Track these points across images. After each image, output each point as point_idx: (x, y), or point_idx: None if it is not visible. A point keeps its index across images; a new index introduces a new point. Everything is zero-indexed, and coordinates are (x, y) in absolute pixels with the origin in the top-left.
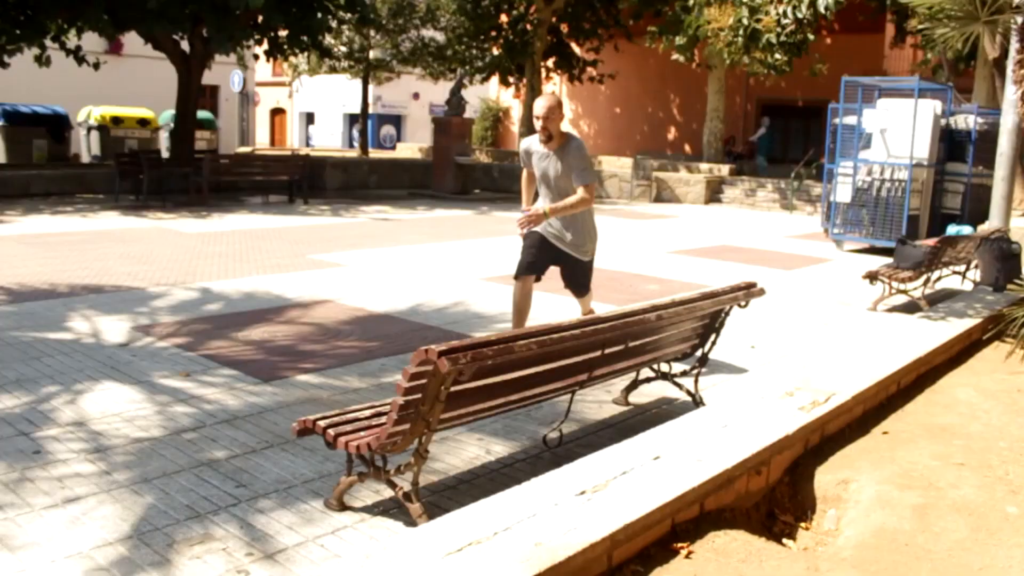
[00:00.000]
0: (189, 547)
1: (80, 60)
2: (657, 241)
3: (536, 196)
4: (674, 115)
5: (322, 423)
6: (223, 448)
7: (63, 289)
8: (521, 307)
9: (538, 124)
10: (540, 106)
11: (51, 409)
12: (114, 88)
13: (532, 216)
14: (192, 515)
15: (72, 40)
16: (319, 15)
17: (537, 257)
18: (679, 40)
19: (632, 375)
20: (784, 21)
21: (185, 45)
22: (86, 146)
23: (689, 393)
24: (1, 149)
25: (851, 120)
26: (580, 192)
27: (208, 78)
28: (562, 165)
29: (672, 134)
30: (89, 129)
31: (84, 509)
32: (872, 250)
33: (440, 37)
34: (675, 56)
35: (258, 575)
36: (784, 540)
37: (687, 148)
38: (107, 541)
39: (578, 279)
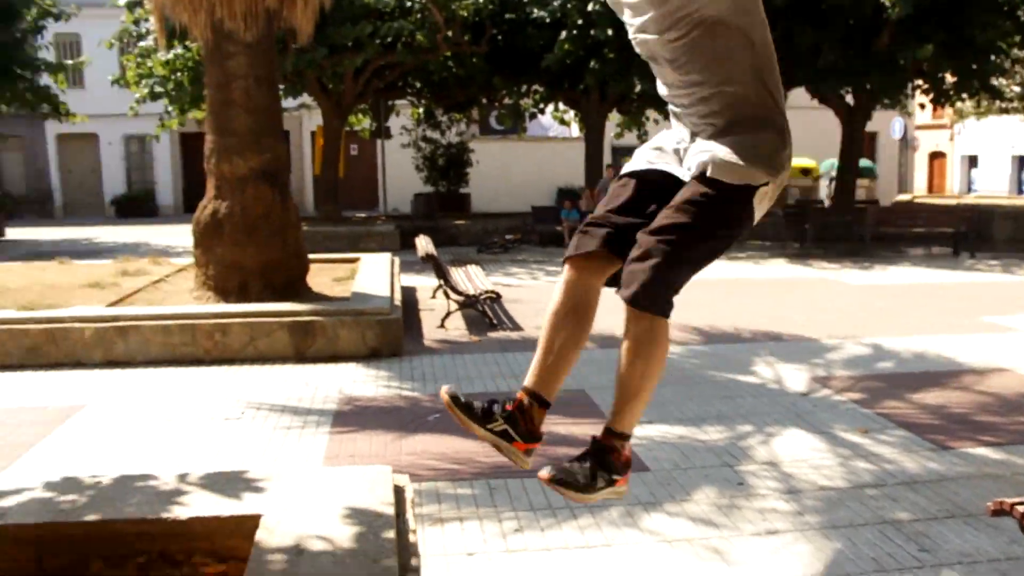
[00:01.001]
0: None
1: None
2: None
3: None
4: None
5: (1020, 508)
6: (904, 510)
7: (746, 334)
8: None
9: None
10: None
11: (747, 446)
12: None
13: None
14: (878, 569)
15: None
16: (992, 57)
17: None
18: None
19: None
20: None
21: (849, 98)
22: None
23: None
24: None
25: None
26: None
27: (867, 125)
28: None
29: None
30: None
31: (783, 542)
32: None
33: None
34: None
35: None
36: None
37: None
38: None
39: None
